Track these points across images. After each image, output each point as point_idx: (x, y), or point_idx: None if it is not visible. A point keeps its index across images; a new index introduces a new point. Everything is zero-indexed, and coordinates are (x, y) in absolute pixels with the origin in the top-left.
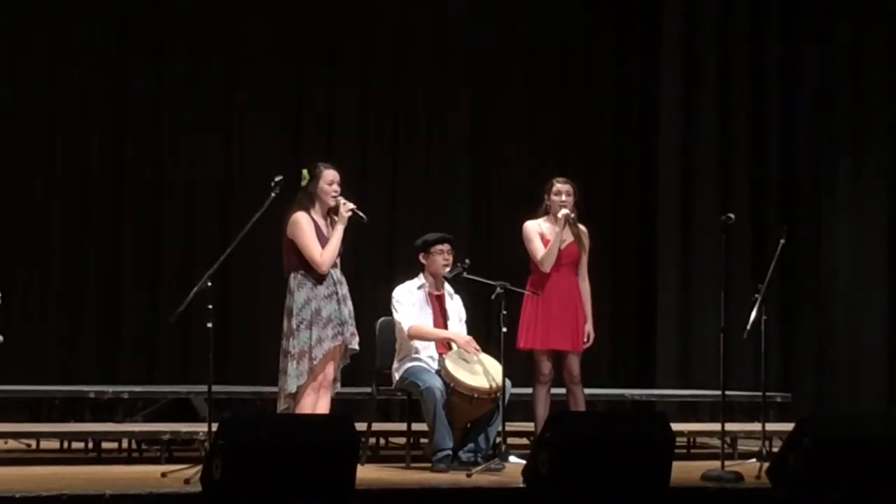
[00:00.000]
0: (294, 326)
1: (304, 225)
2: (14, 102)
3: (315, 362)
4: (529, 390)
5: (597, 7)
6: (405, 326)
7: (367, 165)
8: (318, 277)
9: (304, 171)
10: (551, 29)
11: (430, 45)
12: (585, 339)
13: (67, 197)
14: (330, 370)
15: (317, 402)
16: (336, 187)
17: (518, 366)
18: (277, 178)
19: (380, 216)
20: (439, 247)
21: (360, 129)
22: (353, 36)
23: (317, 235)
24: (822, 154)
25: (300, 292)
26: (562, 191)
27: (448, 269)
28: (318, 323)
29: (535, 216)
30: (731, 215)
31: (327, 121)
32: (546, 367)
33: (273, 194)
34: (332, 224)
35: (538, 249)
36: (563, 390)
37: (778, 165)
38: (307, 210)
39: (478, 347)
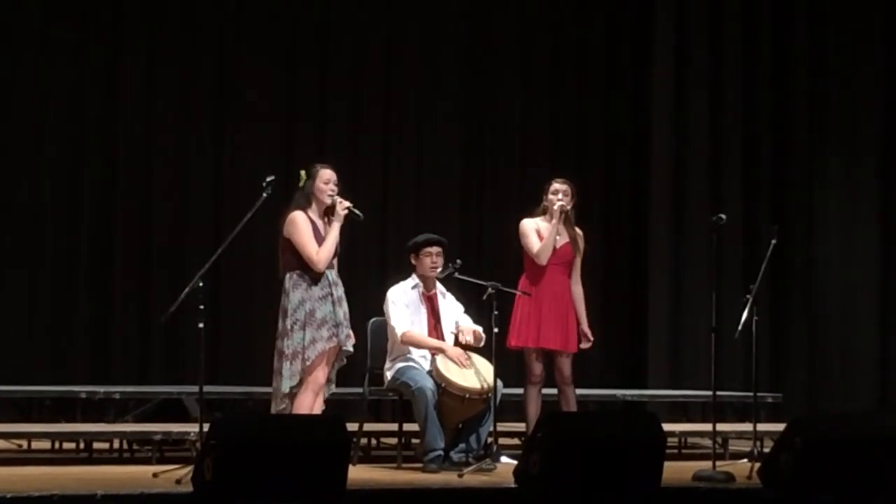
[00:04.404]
0: (288, 327)
1: (300, 224)
2: (3, 101)
3: (308, 363)
4: (521, 391)
5: (587, 7)
6: (398, 332)
7: (359, 166)
8: (314, 278)
9: (302, 172)
10: (542, 28)
11: (422, 46)
12: (587, 341)
13: (58, 196)
14: (321, 372)
15: (314, 404)
16: (333, 186)
17: (509, 366)
18: (269, 179)
19: (371, 216)
20: (428, 249)
21: (351, 129)
22: (344, 36)
23: (314, 234)
24: (814, 154)
25: (295, 293)
26: (559, 190)
27: (438, 271)
28: (312, 324)
29: (532, 215)
30: (723, 215)
31: (319, 121)
32: (537, 367)
33: (265, 194)
34: (330, 223)
35: (534, 244)
36: (555, 391)
37: (769, 166)
38: (304, 210)
39: (469, 357)
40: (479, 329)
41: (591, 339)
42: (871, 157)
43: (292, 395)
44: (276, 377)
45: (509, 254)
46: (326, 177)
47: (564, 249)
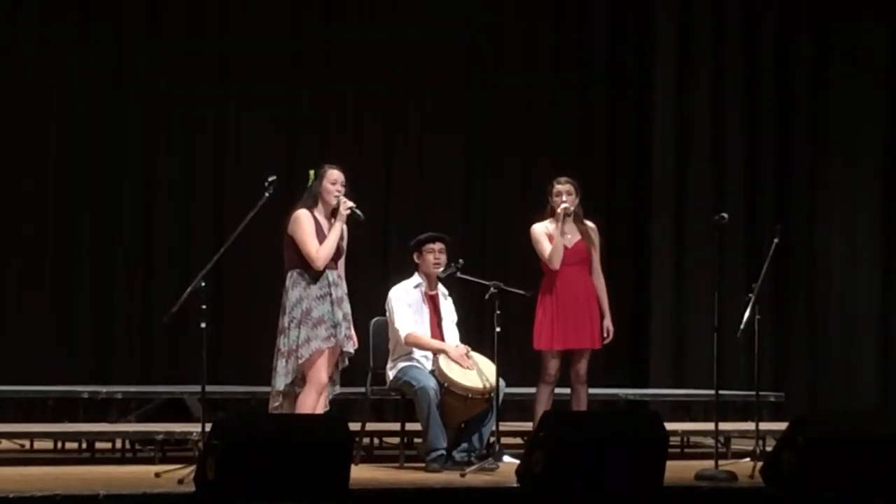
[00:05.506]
0: (286, 324)
1: (303, 221)
2: (4, 100)
3: (301, 361)
4: (523, 390)
5: (590, 7)
6: (402, 333)
7: (361, 165)
8: (313, 277)
9: (311, 172)
10: (544, 24)
11: (424, 45)
12: (605, 335)
13: (60, 196)
14: (322, 372)
15: (317, 404)
16: (339, 187)
17: (512, 365)
18: (271, 178)
19: (374, 216)
20: (430, 245)
21: (355, 129)
22: (347, 35)
23: (317, 233)
24: (816, 153)
25: (294, 291)
26: (562, 191)
27: (441, 268)
28: (308, 323)
29: (541, 219)
30: (725, 214)
31: (321, 120)
32: (553, 367)
33: (266, 194)
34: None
35: (546, 248)
36: (566, 390)
37: (771, 165)
38: (310, 209)
39: (471, 356)
40: (465, 347)
41: (611, 333)
42: (874, 156)
43: (290, 393)
44: (273, 374)
45: (512, 253)
46: (333, 177)
47: (578, 247)
